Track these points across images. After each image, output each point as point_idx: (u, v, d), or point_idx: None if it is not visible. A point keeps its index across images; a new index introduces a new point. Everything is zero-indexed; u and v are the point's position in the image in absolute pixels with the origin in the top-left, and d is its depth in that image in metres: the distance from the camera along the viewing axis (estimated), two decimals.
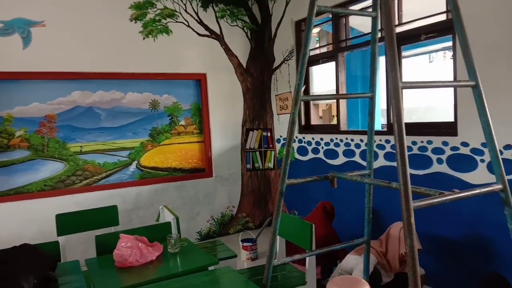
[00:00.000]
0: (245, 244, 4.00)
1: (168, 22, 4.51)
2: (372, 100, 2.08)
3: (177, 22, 4.55)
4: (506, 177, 2.70)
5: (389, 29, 1.37)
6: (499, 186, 1.57)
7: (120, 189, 4.39)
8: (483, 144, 2.87)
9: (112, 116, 4.40)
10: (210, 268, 2.29)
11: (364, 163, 3.85)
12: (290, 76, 4.75)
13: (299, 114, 4.73)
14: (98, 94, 4.32)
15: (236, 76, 5.00)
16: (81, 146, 4.27)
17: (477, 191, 1.51)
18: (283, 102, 4.89)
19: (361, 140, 3.88)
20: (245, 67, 5.03)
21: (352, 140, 4.02)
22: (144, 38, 4.40)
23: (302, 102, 4.67)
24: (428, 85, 1.69)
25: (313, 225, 2.56)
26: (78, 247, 3.80)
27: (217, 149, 4.93)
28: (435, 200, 1.37)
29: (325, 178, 2.10)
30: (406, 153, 1.31)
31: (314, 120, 4.89)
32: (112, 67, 4.26)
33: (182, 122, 4.78)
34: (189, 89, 4.79)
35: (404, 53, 5.30)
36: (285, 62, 4.82)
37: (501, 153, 2.77)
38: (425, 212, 3.31)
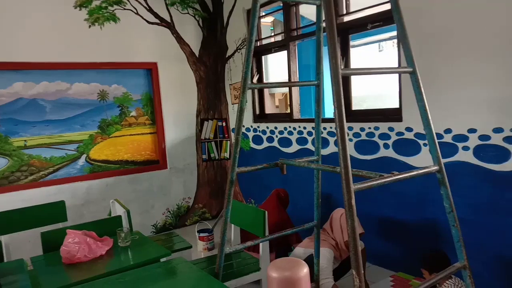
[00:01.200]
0: (202, 234, 3.97)
1: (115, 9, 4.33)
2: (318, 88, 2.12)
3: (124, 9, 4.39)
4: (449, 159, 2.89)
5: (329, 16, 1.40)
6: (436, 168, 1.66)
7: (69, 184, 4.22)
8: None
9: (58, 108, 4.19)
10: (162, 260, 2.27)
11: (358, 156, 3.91)
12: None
13: (253, 104, 4.74)
14: (42, 85, 4.10)
15: (189, 65, 4.92)
16: (25, 140, 4.05)
17: (415, 172, 1.59)
18: (238, 92, 4.88)
19: (313, 128, 3.96)
20: (197, 56, 4.95)
21: (304, 128, 4.09)
22: (90, 26, 4.21)
23: (256, 91, 4.70)
24: (367, 71, 1.74)
25: (266, 212, 2.59)
26: (26, 246, 3.62)
27: (171, 140, 4.85)
28: (375, 182, 1.42)
29: (275, 165, 2.13)
30: (346, 138, 1.35)
31: (270, 110, 4.93)
32: (56, 56, 4.05)
33: (133, 113, 4.65)
34: (139, 79, 4.66)
35: (353, 42, 5.45)
36: (238, 51, 4.80)
37: (442, 136, 2.93)
38: (374, 196, 3.45)
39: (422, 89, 1.63)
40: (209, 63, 5.03)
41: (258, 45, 4.63)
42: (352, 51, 3.71)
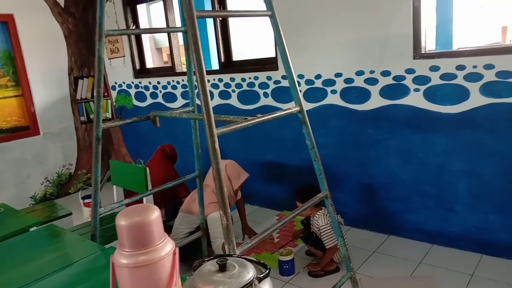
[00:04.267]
0: (86, 200, 3.76)
1: None
2: (186, 34, 2.05)
3: None
4: (321, 103, 3.09)
5: None
6: (297, 108, 1.75)
7: None
8: (299, 76, 3.17)
9: None
10: (32, 229, 2.09)
11: (241, 106, 3.87)
12: (118, 16, 4.37)
13: (132, 58, 4.46)
14: None
15: (54, 17, 4.37)
16: None
17: (278, 114, 1.66)
18: (113, 45, 4.52)
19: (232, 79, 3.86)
20: (63, 6, 4.41)
21: None
22: None
23: (134, 44, 4.41)
24: (225, 14, 1.72)
25: (147, 168, 2.52)
26: None
27: (42, 103, 4.36)
28: (238, 126, 1.45)
29: (146, 118, 2.04)
30: (206, 82, 1.34)
31: (157, 65, 4.68)
32: None
33: None
34: None
35: None
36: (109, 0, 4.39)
37: (313, 82, 3.12)
38: (257, 142, 3.60)
39: (282, 32, 1.67)
40: (78, 14, 4.52)
41: None
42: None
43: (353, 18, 2.79)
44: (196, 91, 2.23)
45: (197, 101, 1.90)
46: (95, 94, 1.77)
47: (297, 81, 3.16)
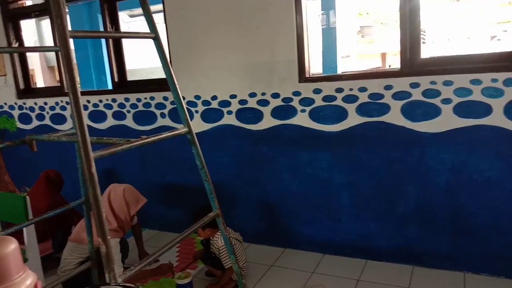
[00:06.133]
0: None
1: None
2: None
3: None
4: (217, 123, 3.15)
5: None
6: (185, 129, 1.76)
7: None
8: (196, 97, 3.21)
9: None
10: None
11: (94, 125, 3.71)
12: None
13: (15, 77, 4.08)
14: None
15: None
16: None
17: (164, 135, 1.65)
18: None
19: (88, 101, 3.69)
20: None
21: None
22: None
23: (18, 62, 4.06)
24: (102, 35, 1.69)
25: (27, 196, 2.30)
26: None
27: None
28: (118, 148, 1.41)
29: (22, 142, 1.88)
30: (80, 102, 1.29)
31: (49, 84, 4.33)
32: None
33: None
34: None
35: (133, 11, 5.29)
36: None
37: (209, 103, 3.17)
38: (155, 164, 3.52)
39: (166, 54, 1.69)
40: None
41: (13, 7, 3.94)
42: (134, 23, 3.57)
43: (242, 44, 2.93)
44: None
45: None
46: None
47: (195, 102, 3.22)
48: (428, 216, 2.63)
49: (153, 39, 1.67)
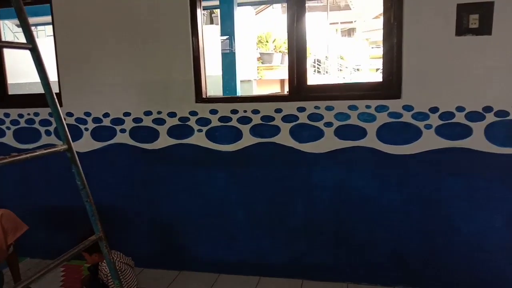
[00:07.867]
0: None
1: None
2: None
3: None
4: (109, 142, 3.00)
5: None
6: (65, 147, 1.65)
7: None
8: (86, 113, 3.04)
9: None
10: None
11: (18, 145, 3.25)
12: None
13: None
14: None
15: None
16: None
17: (39, 152, 1.52)
18: None
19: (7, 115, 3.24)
20: None
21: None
22: None
23: None
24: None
25: None
26: None
27: None
28: None
29: None
30: None
31: None
32: None
33: None
34: None
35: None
36: None
37: (101, 120, 3.02)
38: (38, 186, 3.22)
39: (45, 66, 1.58)
40: None
41: None
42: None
43: (137, 61, 2.87)
44: None
45: None
46: None
47: (84, 119, 3.04)
48: (315, 230, 2.81)
49: (30, 50, 1.55)
